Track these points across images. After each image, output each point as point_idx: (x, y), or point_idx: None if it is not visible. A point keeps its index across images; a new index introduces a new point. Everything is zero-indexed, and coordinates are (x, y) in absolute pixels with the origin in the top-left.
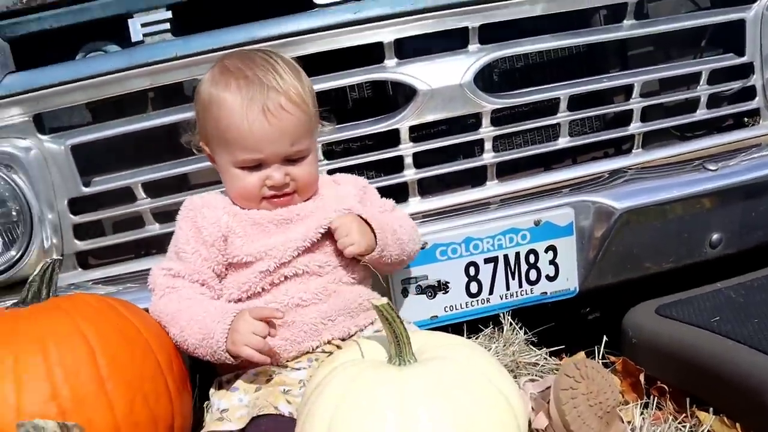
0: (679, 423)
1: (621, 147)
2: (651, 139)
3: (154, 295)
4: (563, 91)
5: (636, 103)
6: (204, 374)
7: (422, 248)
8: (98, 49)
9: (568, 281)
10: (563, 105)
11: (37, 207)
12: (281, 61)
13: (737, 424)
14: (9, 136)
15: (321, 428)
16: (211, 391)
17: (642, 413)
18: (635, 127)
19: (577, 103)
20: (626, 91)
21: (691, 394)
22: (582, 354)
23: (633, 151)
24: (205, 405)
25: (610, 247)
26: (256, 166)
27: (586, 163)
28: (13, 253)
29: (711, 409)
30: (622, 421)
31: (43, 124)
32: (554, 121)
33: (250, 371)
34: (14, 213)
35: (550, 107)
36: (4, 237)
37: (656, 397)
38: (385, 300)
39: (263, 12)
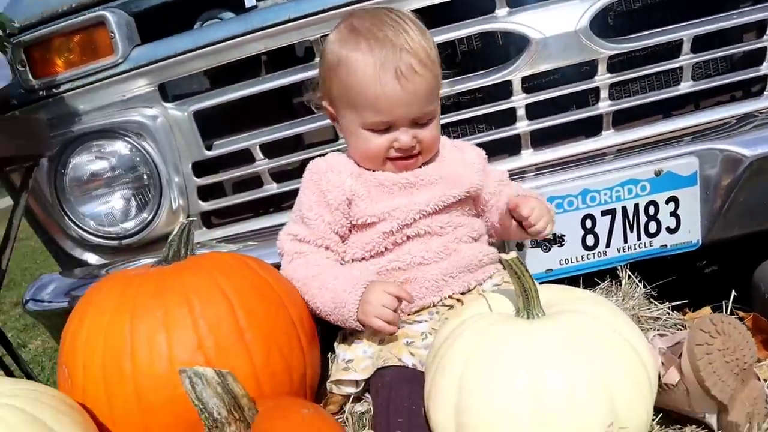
0: None
1: (750, 89)
2: None
3: (284, 260)
4: (686, 32)
5: None
6: (328, 326)
7: None
8: (214, 18)
9: (690, 233)
10: (686, 47)
11: (165, 171)
12: (408, 20)
13: None
14: (137, 105)
15: (452, 381)
16: (336, 343)
17: None
18: None
19: (701, 43)
20: (758, 28)
21: None
22: (708, 309)
23: (765, 92)
24: (329, 356)
25: (737, 197)
26: (385, 128)
27: (711, 108)
28: (145, 215)
29: None
30: (759, 379)
31: (167, 92)
32: (677, 65)
33: None
34: (145, 177)
35: (670, 50)
36: (136, 200)
37: None
38: (514, 254)
39: None
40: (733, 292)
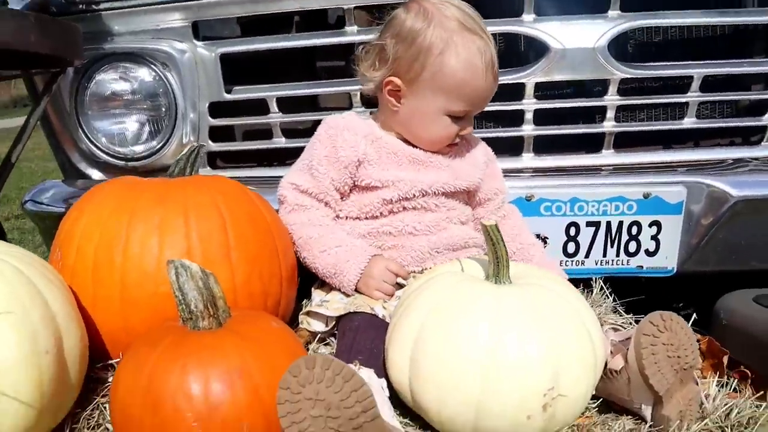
0: (756, 399)
1: (749, 138)
2: None
3: (282, 208)
4: (698, 70)
5: None
6: (305, 275)
7: (528, 200)
8: None
9: (667, 259)
10: (695, 84)
11: (182, 105)
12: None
13: None
14: (169, 37)
15: (414, 325)
16: (313, 288)
17: (719, 389)
18: None
19: (710, 85)
20: (767, 80)
21: None
22: None
23: (762, 143)
24: (303, 303)
25: (717, 233)
26: (461, 117)
27: (709, 148)
28: (155, 143)
29: None
30: (696, 384)
31: (199, 31)
32: (683, 100)
33: None
34: (163, 107)
35: (680, 86)
36: (150, 127)
37: (736, 380)
38: (494, 221)
39: None
40: (694, 315)
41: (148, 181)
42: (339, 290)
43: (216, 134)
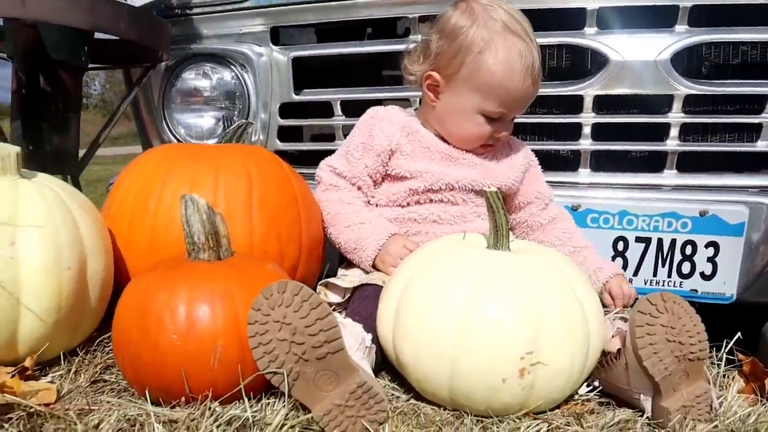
0: None
1: None
2: None
3: (319, 188)
4: None
5: None
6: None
7: (574, 209)
8: None
9: (726, 285)
10: None
11: (255, 105)
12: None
13: None
14: (249, 41)
15: (402, 280)
16: (339, 268)
17: (738, 395)
18: None
19: None
20: None
21: None
22: None
23: None
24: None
25: None
26: (497, 118)
27: None
28: (220, 134)
29: None
30: (708, 383)
31: (277, 36)
32: (756, 121)
33: None
34: (238, 106)
35: (754, 107)
36: (224, 123)
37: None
38: (495, 188)
39: None
40: (738, 334)
41: (190, 145)
42: (359, 267)
43: (284, 134)
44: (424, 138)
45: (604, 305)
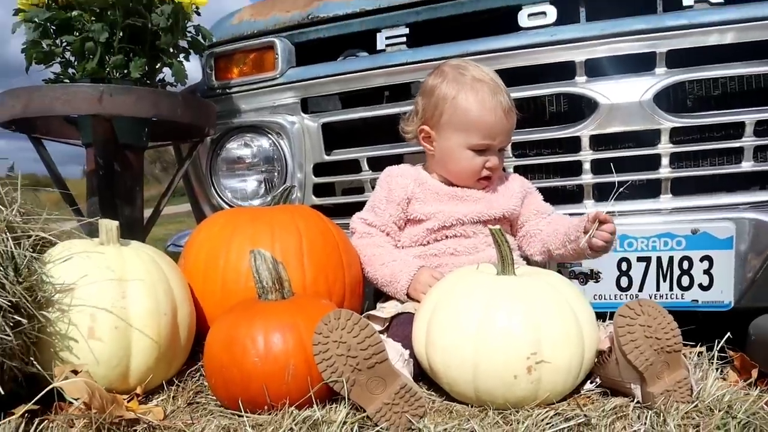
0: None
1: None
2: None
3: (354, 236)
4: (749, 116)
5: None
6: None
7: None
8: (354, 54)
9: (723, 294)
10: (749, 129)
11: (291, 167)
12: (493, 72)
13: None
14: (282, 112)
15: (430, 305)
16: (377, 303)
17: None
18: None
19: None
20: None
21: None
22: None
23: None
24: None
25: None
26: (482, 151)
27: None
28: (269, 198)
29: None
30: (687, 371)
31: (306, 105)
32: (736, 145)
33: None
34: (277, 169)
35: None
36: (265, 185)
37: (759, 388)
38: (498, 226)
39: (477, 31)
40: (728, 334)
41: (248, 208)
42: (394, 299)
43: (319, 190)
44: (433, 185)
45: (586, 232)
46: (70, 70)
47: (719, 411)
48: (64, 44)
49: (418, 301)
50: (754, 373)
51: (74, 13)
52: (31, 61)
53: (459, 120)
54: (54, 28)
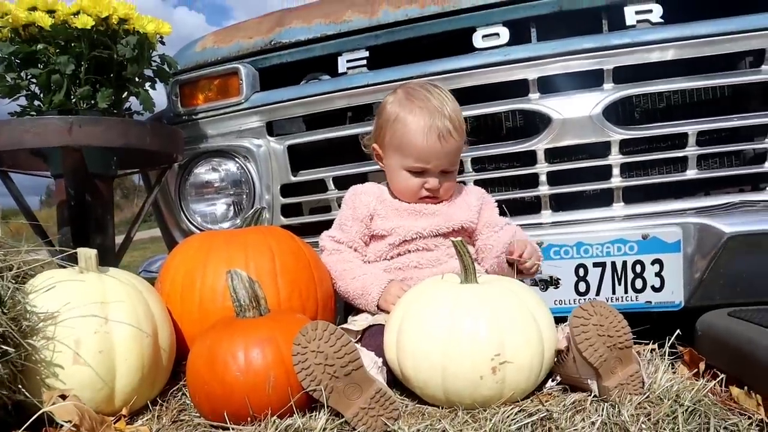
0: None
1: (759, 185)
2: None
3: (323, 253)
4: (691, 127)
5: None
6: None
7: (539, 245)
8: (316, 78)
9: (674, 294)
10: (691, 140)
11: (259, 188)
12: (448, 95)
13: (758, 396)
14: (248, 136)
15: (399, 314)
16: (349, 317)
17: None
18: None
19: (717, 140)
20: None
21: (739, 380)
22: None
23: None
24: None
25: (717, 268)
26: (420, 172)
27: (715, 195)
28: (238, 221)
29: (746, 387)
30: (639, 365)
31: (272, 129)
32: (680, 154)
33: None
34: (245, 191)
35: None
36: (234, 208)
37: (706, 378)
38: (459, 238)
39: (435, 52)
40: (678, 331)
41: (222, 231)
42: (365, 312)
43: (286, 211)
44: (393, 202)
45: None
46: (36, 103)
47: (668, 400)
48: (30, 77)
49: (389, 313)
50: (702, 365)
51: (39, 46)
52: None
53: (397, 142)
54: (18, 61)
